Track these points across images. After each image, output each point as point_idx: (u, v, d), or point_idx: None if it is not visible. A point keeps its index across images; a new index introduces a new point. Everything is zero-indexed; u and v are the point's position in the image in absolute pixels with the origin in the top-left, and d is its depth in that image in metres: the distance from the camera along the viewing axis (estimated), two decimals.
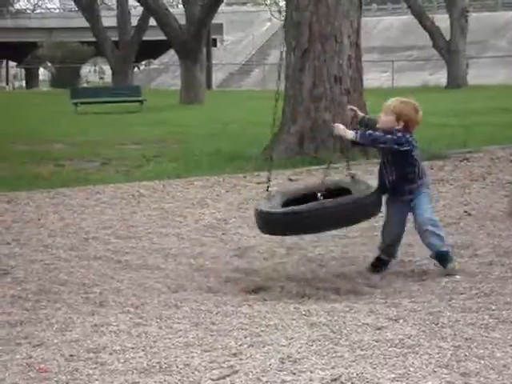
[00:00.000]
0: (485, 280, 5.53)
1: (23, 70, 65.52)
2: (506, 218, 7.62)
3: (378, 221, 7.77)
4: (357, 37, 12.43)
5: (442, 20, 35.85)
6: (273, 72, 43.29)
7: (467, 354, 4.03)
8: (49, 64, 57.38)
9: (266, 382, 3.73)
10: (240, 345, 4.29)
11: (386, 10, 55.10)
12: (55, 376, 3.89)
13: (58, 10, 70.21)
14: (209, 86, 39.21)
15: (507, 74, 38.97)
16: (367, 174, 10.84)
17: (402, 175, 5.72)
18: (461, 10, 34.70)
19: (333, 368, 3.87)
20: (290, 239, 7.06)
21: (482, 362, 3.91)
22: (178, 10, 39.90)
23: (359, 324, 4.58)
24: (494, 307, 4.83)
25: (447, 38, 34.84)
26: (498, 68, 41.13)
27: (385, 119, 5.74)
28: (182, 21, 29.46)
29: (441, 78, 37.83)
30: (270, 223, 5.61)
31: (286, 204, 5.75)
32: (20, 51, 57.70)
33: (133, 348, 4.27)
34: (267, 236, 7.20)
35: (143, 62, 61.89)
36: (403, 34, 48.43)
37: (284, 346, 4.24)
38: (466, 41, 35.14)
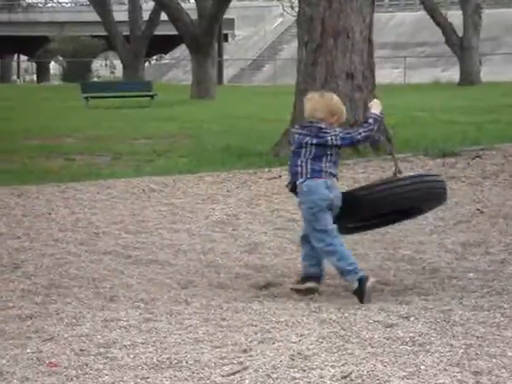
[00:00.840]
0: (497, 278, 5.50)
1: (34, 64, 65.63)
2: None
3: None
4: (369, 32, 12.38)
5: (455, 16, 35.67)
6: (284, 67, 43.24)
7: (479, 352, 4.00)
8: (60, 58, 57.45)
9: (276, 378, 3.72)
10: (250, 341, 4.27)
11: (398, 6, 54.90)
12: (65, 370, 3.89)
13: (69, 4, 70.28)
14: (220, 81, 39.14)
15: None
16: (379, 171, 10.83)
17: None
18: (474, 6, 34.52)
19: (343, 365, 3.86)
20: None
21: (494, 360, 3.88)
22: (189, 5, 39.86)
23: (370, 321, 4.56)
24: (505, 306, 4.80)
25: (460, 34, 34.66)
26: (511, 65, 40.93)
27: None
28: (194, 15, 29.41)
29: (453, 74, 37.67)
30: None
31: None
32: (31, 45, 57.78)
33: (143, 343, 4.27)
34: (278, 232, 7.20)
35: (154, 57, 61.87)
36: (416, 30, 48.25)
37: (294, 342, 4.22)
38: (479, 37, 34.95)
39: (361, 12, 12.16)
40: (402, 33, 49.14)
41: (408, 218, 5.78)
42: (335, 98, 5.43)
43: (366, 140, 5.43)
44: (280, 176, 10.47)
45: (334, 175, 5.25)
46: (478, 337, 4.25)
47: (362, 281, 5.03)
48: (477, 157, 11.62)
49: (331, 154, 5.21)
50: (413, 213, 5.63)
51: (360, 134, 5.29)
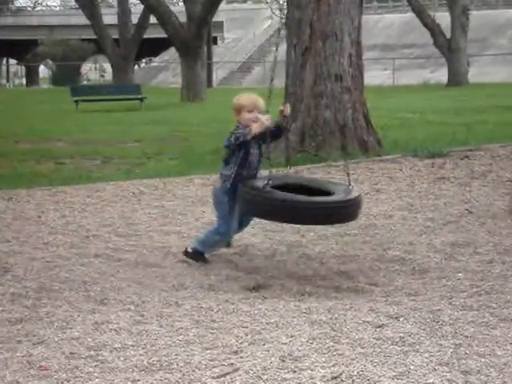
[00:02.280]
0: (485, 278, 5.53)
1: (23, 68, 65.48)
2: (507, 216, 7.62)
3: (379, 218, 7.80)
4: (358, 35, 12.42)
5: (443, 18, 35.80)
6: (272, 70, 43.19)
7: (468, 352, 4.03)
8: (49, 61, 57.37)
9: (267, 379, 3.73)
10: (241, 343, 4.29)
11: (386, 8, 55.04)
12: (55, 374, 3.89)
13: (58, 8, 70.22)
14: (209, 83, 39.16)
15: (508, 72, 38.93)
16: (367, 172, 10.86)
17: None
18: (461, 7, 34.66)
19: (333, 366, 3.87)
20: (292, 237, 7.07)
21: (483, 360, 3.91)
22: (178, 8, 39.85)
23: (360, 322, 4.58)
24: (494, 305, 4.83)
25: (448, 35, 34.81)
26: (499, 66, 41.09)
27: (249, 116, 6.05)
28: (183, 18, 29.44)
29: (441, 76, 37.79)
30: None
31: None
32: (20, 49, 57.69)
33: (133, 346, 4.27)
34: (268, 234, 7.21)
35: (144, 60, 61.86)
36: (404, 31, 48.39)
37: (285, 343, 4.24)
38: (466, 39, 35.10)
39: (349, 14, 12.20)
40: (390, 35, 49.26)
41: None
42: (239, 96, 5.89)
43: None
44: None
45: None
46: (467, 336, 4.27)
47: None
48: (465, 157, 11.67)
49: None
50: None
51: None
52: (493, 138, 13.51)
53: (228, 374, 3.82)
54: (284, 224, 7.52)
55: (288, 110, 6.14)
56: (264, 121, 5.83)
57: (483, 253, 6.28)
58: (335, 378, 3.71)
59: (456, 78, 34.66)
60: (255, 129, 5.77)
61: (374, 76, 38.02)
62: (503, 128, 15.32)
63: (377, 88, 30.61)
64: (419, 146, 12.53)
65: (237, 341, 4.32)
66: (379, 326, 4.49)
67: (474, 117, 18.57)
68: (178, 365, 3.96)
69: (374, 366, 3.85)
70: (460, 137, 14.06)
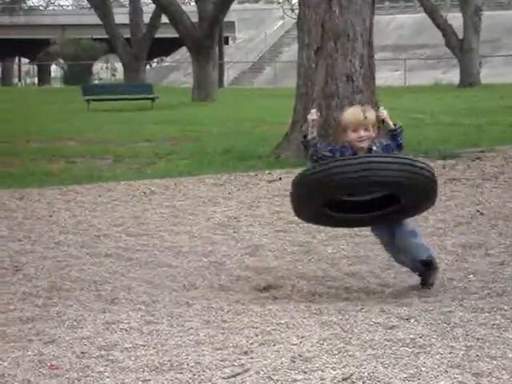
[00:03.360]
0: (497, 280, 5.51)
1: (35, 67, 65.67)
2: None
3: None
4: (369, 35, 12.40)
5: (455, 18, 35.70)
6: (284, 70, 43.26)
7: (479, 354, 4.01)
8: (61, 61, 57.53)
9: (277, 380, 3.73)
10: (251, 343, 4.28)
11: (398, 8, 54.93)
12: (66, 373, 3.89)
13: (70, 7, 70.36)
14: (221, 83, 39.17)
15: None
16: None
17: None
18: (474, 8, 34.54)
19: (344, 367, 3.86)
20: (302, 237, 7.06)
21: (495, 362, 3.89)
22: (190, 8, 39.88)
23: (370, 323, 4.57)
24: (506, 307, 4.80)
25: (460, 36, 34.71)
26: (511, 67, 40.95)
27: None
28: (195, 18, 29.45)
29: (453, 76, 37.69)
30: None
31: None
32: (32, 48, 57.86)
33: (144, 346, 4.27)
34: (279, 235, 7.21)
35: (155, 60, 61.93)
36: (416, 32, 48.28)
37: (295, 344, 4.23)
38: (479, 39, 34.99)
39: (361, 14, 12.17)
40: (402, 35, 49.16)
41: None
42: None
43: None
44: (280, 178, 10.49)
45: None
46: (478, 338, 4.26)
47: None
48: (477, 158, 11.64)
49: None
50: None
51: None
52: (505, 140, 13.47)
53: (238, 374, 3.82)
54: (294, 225, 7.53)
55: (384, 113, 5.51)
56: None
57: (494, 254, 6.25)
58: (346, 379, 3.70)
59: (468, 79, 34.55)
60: None
61: (386, 77, 37.95)
62: None
63: (388, 88, 30.56)
64: (430, 147, 12.51)
65: (247, 341, 4.31)
66: (390, 328, 4.48)
67: (485, 118, 18.51)
68: (188, 365, 3.96)
69: (385, 368, 3.83)
70: (472, 138, 14.03)
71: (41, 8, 66.30)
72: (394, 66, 43.69)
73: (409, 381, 3.67)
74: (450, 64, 40.34)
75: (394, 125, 5.42)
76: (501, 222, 7.43)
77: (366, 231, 7.15)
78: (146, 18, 37.89)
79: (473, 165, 11.22)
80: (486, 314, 4.68)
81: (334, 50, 12.09)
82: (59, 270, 5.95)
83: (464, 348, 4.10)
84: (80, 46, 52.81)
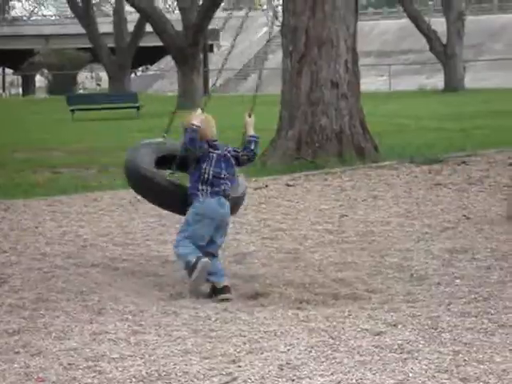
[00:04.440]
0: (483, 284, 5.52)
1: (20, 77, 65.46)
2: (504, 222, 7.62)
3: (376, 225, 7.79)
4: (353, 41, 12.45)
5: (439, 23, 35.85)
6: (270, 77, 43.32)
7: (467, 358, 4.02)
8: (45, 71, 57.36)
9: None
10: (239, 351, 4.28)
11: (382, 14, 55.09)
12: None
13: (54, 17, 70.21)
14: (206, 91, 39.18)
15: (504, 78, 38.94)
16: (365, 179, 10.86)
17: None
18: (457, 13, 34.69)
19: (332, 374, 3.86)
20: (290, 245, 7.06)
21: (482, 366, 3.90)
22: (174, 16, 39.89)
23: (358, 330, 4.57)
24: (492, 311, 4.82)
25: (444, 41, 34.86)
26: (495, 71, 41.11)
27: None
28: (179, 27, 29.45)
29: (438, 81, 37.81)
30: None
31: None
32: (16, 58, 57.62)
33: (131, 356, 4.26)
34: (266, 242, 7.20)
35: (140, 68, 61.87)
36: (400, 37, 48.44)
37: (283, 352, 4.22)
38: (462, 44, 35.15)
39: (344, 21, 12.22)
40: (386, 41, 49.32)
41: None
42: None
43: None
44: (267, 185, 10.49)
45: None
46: (465, 343, 4.27)
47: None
48: (462, 163, 11.69)
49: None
50: None
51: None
52: (489, 144, 13.54)
53: (227, 383, 3.81)
54: (282, 232, 7.53)
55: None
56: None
57: (481, 259, 6.27)
58: None
59: (452, 84, 34.69)
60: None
61: (370, 82, 38.05)
62: (500, 133, 15.34)
63: (373, 94, 30.64)
64: (416, 152, 12.55)
65: (235, 350, 4.31)
66: (377, 334, 4.48)
67: (470, 122, 18.59)
68: (176, 374, 3.95)
69: (373, 374, 3.84)
70: (457, 143, 14.08)
71: (24, 18, 66.13)
72: (378, 71, 43.80)
73: None
74: (434, 69, 40.46)
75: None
76: (487, 226, 7.45)
77: (353, 237, 7.17)
78: (130, 27, 37.87)
79: (458, 169, 11.26)
80: (473, 319, 4.69)
81: (319, 57, 12.14)
82: (45, 281, 5.92)
83: (451, 353, 4.11)
84: (64, 56, 52.65)
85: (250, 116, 6.14)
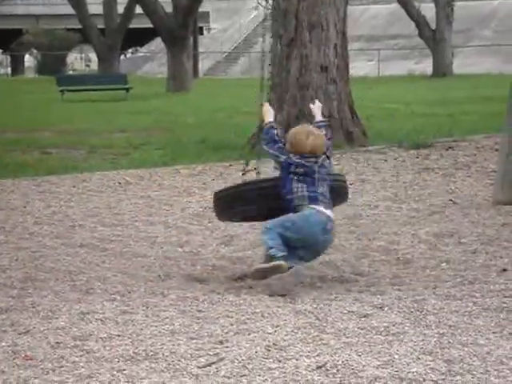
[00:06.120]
0: (469, 268, 5.57)
1: (9, 57, 65.08)
2: (491, 207, 7.67)
3: (364, 209, 7.83)
4: (343, 25, 12.44)
5: (428, 9, 35.87)
6: (259, 60, 43.17)
7: (451, 341, 4.06)
8: (34, 51, 57.04)
9: (252, 369, 3.76)
10: (226, 332, 4.31)
11: None
12: (41, 363, 3.90)
13: None
14: (195, 74, 39.05)
15: (492, 63, 39.03)
16: (353, 163, 10.89)
17: None
18: None
19: (318, 355, 3.90)
20: None
21: (466, 349, 3.94)
22: None
23: (344, 312, 4.61)
24: (477, 295, 4.86)
25: (433, 26, 34.87)
26: (483, 57, 41.18)
27: None
28: (169, 8, 29.33)
29: (426, 66, 37.85)
30: None
31: None
32: (5, 38, 57.28)
33: (119, 336, 4.28)
34: (254, 224, 7.23)
35: (130, 50, 61.59)
36: (389, 22, 48.42)
37: (270, 333, 4.26)
38: (451, 30, 35.18)
39: (335, 5, 12.21)
40: (375, 25, 49.28)
41: None
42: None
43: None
44: (255, 168, 10.49)
45: None
46: (450, 326, 4.31)
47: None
48: (450, 148, 11.74)
49: None
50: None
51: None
52: (477, 129, 13.58)
53: (213, 363, 3.84)
54: None
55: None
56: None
57: (467, 243, 6.32)
58: (320, 367, 3.74)
59: (441, 69, 34.74)
60: None
61: (360, 67, 38.05)
62: (487, 119, 15.39)
63: (362, 79, 30.64)
64: (404, 137, 12.58)
65: (222, 330, 4.34)
66: (364, 316, 4.52)
67: (458, 108, 18.64)
68: (163, 354, 3.98)
69: (359, 356, 3.88)
70: (445, 128, 14.12)
71: None
72: (367, 56, 43.79)
73: (382, 368, 3.72)
74: (423, 54, 40.49)
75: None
76: (473, 211, 7.50)
77: (341, 220, 7.20)
78: (120, 9, 37.67)
79: (446, 154, 11.31)
80: (458, 302, 4.74)
81: (308, 41, 12.13)
82: (34, 260, 5.94)
83: (436, 335, 4.15)
84: (54, 36, 52.37)
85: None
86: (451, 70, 34.99)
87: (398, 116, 17.33)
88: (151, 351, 4.02)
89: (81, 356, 3.99)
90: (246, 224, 7.23)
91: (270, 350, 3.98)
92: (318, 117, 5.83)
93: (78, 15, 37.12)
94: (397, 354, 3.90)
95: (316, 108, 5.91)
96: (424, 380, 3.59)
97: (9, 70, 64.27)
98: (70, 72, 53.79)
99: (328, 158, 5.46)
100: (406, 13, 35.30)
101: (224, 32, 55.32)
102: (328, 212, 5.23)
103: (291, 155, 5.36)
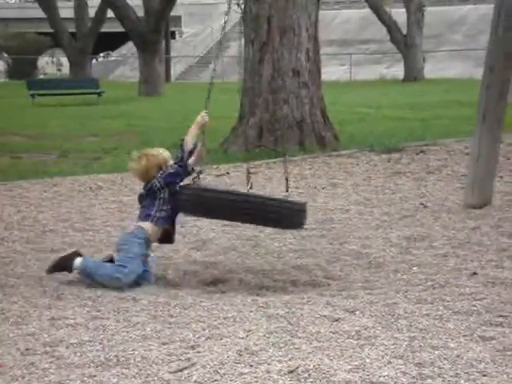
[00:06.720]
0: (440, 271, 5.60)
1: None
2: (461, 211, 7.72)
3: (336, 213, 7.85)
4: (315, 30, 12.49)
5: (399, 14, 36.08)
6: (232, 64, 43.24)
7: (422, 344, 4.08)
8: (5, 55, 56.64)
9: (224, 374, 3.75)
10: (198, 337, 4.30)
11: (344, 4, 55.23)
12: (10, 370, 3.86)
13: (13, 0, 69.36)
14: (168, 78, 38.97)
15: (463, 68, 39.31)
16: (325, 167, 10.92)
17: None
18: (417, 4, 34.97)
19: (290, 360, 3.90)
20: (250, 232, 7.08)
21: (437, 352, 3.96)
22: (136, 2, 39.62)
23: (316, 316, 4.61)
24: (448, 298, 4.89)
25: (404, 32, 35.10)
26: (454, 61, 41.48)
27: None
28: (141, 13, 29.26)
29: (398, 71, 38.05)
30: None
31: None
32: None
33: (90, 341, 4.26)
34: (226, 229, 7.22)
35: (101, 54, 61.37)
36: (361, 27, 48.64)
37: (242, 338, 4.25)
38: (422, 35, 35.43)
39: (306, 9, 12.25)
40: (347, 30, 49.50)
41: None
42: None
43: None
44: (228, 173, 10.51)
45: None
46: (421, 329, 4.33)
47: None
48: (421, 152, 11.81)
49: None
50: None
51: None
52: (448, 133, 13.67)
53: (185, 368, 3.83)
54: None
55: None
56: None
57: (438, 246, 6.35)
58: (292, 371, 3.74)
59: (412, 74, 34.95)
60: None
61: (332, 71, 38.19)
62: (458, 123, 15.50)
63: (334, 83, 30.76)
64: (376, 141, 12.64)
65: (194, 335, 4.33)
66: (336, 320, 4.53)
67: (429, 112, 18.76)
68: (134, 360, 3.96)
69: (331, 360, 3.88)
70: (416, 132, 14.20)
71: None
72: (339, 60, 43.96)
73: (353, 372, 3.72)
74: (395, 59, 40.72)
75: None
76: (444, 215, 7.55)
77: (313, 225, 7.22)
78: (92, 12, 37.52)
79: (417, 158, 11.37)
80: (429, 305, 4.76)
81: (280, 45, 12.15)
82: (4, 266, 5.89)
83: (407, 339, 4.17)
84: (24, 40, 52.05)
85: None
86: (422, 75, 35.23)
87: (369, 120, 17.41)
88: (122, 357, 4.00)
89: (51, 362, 3.96)
90: (218, 229, 7.24)
91: (241, 355, 3.97)
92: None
93: (49, 19, 36.92)
94: (368, 357, 3.90)
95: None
96: None
97: None
98: (42, 76, 53.47)
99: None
100: (378, 18, 35.51)
101: (196, 36, 55.30)
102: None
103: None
